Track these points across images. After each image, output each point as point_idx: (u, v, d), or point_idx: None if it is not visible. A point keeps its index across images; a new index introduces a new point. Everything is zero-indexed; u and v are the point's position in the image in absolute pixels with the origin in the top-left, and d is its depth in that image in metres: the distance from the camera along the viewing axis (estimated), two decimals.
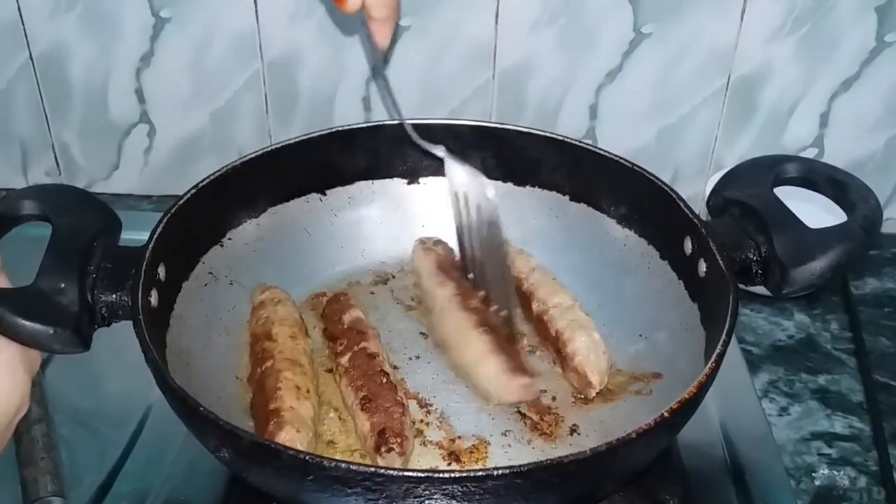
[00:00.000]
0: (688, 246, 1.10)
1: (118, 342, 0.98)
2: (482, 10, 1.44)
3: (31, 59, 1.52)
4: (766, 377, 1.31)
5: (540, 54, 1.47)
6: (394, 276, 1.31)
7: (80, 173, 1.65)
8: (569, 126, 1.52)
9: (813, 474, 1.16)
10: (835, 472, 1.16)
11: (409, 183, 1.31)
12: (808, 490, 1.14)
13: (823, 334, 1.39)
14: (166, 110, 1.57)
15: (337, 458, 0.91)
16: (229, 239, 1.21)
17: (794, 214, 1.05)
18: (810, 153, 1.53)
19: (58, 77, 1.54)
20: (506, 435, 1.07)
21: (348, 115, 1.54)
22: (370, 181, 1.30)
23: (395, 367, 1.15)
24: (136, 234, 1.05)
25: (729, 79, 1.47)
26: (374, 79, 1.46)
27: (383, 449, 0.98)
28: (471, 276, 1.20)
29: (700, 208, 1.10)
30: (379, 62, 1.14)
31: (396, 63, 1.49)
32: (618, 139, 1.51)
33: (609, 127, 1.54)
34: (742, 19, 1.41)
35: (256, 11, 1.45)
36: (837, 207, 1.09)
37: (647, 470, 0.94)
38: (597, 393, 1.11)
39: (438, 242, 1.29)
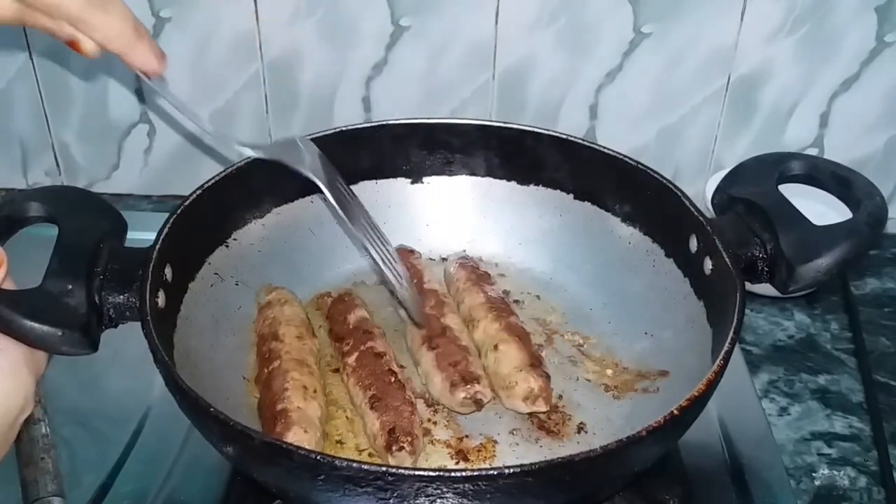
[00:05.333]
0: (693, 244, 1.10)
1: (118, 342, 0.98)
2: (482, 10, 1.44)
3: (32, 59, 1.52)
4: (766, 377, 1.31)
5: (540, 54, 1.47)
6: None
7: (80, 173, 1.65)
8: (569, 126, 1.52)
9: (813, 474, 1.16)
10: (835, 472, 1.17)
11: (412, 182, 1.31)
12: (808, 490, 1.14)
13: (823, 334, 1.39)
14: (166, 110, 1.57)
15: (347, 457, 0.91)
16: (234, 239, 1.20)
17: (799, 211, 1.05)
18: (810, 153, 1.54)
19: (58, 77, 1.53)
20: (513, 433, 1.07)
21: (348, 115, 1.54)
22: (374, 181, 1.30)
23: (402, 367, 1.14)
24: (136, 234, 1.05)
25: (729, 79, 1.48)
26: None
27: (394, 448, 0.98)
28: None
29: (700, 208, 1.10)
30: (159, 88, 0.99)
31: (396, 63, 1.49)
32: (618, 139, 1.51)
33: (609, 127, 1.54)
34: (742, 19, 1.41)
35: (256, 11, 1.45)
36: (841, 204, 1.10)
37: (648, 470, 0.94)
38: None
39: (398, 253, 1.26)
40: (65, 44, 0.89)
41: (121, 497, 1.07)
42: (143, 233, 1.04)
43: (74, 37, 0.88)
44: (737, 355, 1.29)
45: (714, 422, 1.18)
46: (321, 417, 1.03)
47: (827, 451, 1.20)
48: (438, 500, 0.80)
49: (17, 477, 1.05)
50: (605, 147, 1.22)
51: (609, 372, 1.15)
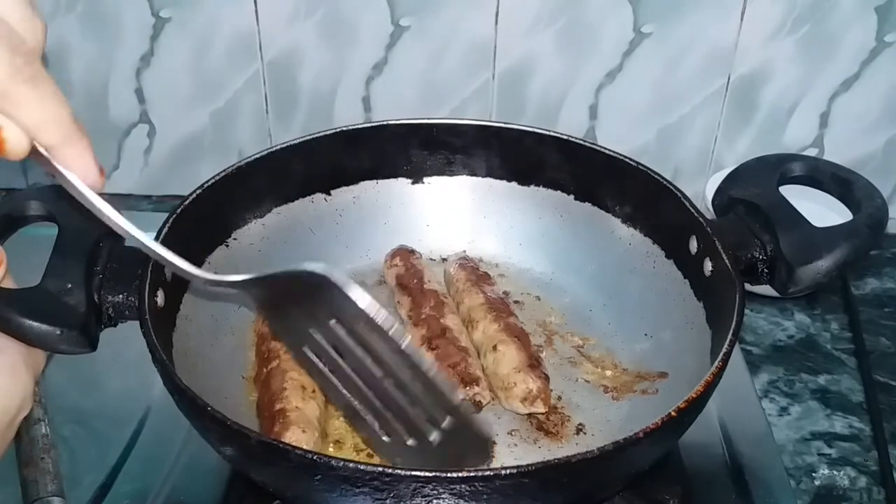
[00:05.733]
0: (693, 245, 1.10)
1: (118, 342, 0.98)
2: (482, 10, 1.44)
3: None
4: (766, 377, 1.31)
5: (540, 54, 1.48)
6: None
7: None
8: (569, 126, 1.52)
9: (813, 474, 1.17)
10: (835, 472, 1.17)
11: (413, 183, 1.31)
12: (808, 490, 1.14)
13: (823, 334, 1.39)
14: (166, 110, 1.57)
15: (345, 457, 0.91)
16: (234, 239, 1.20)
17: (799, 213, 1.05)
18: (810, 153, 1.54)
19: (58, 77, 1.46)
20: (512, 434, 1.07)
21: (348, 115, 1.55)
22: (375, 181, 1.30)
23: None
24: None
25: (729, 79, 1.48)
26: None
27: None
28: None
29: (700, 208, 1.10)
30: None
31: (396, 63, 1.50)
32: (618, 139, 1.51)
33: (609, 127, 1.54)
34: (742, 19, 1.42)
35: (256, 11, 1.45)
36: (842, 206, 1.10)
37: (647, 471, 0.94)
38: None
39: (398, 254, 1.28)
40: None
41: (121, 497, 1.07)
42: (144, 233, 1.03)
43: None
44: (737, 355, 1.28)
45: (714, 422, 1.18)
46: (319, 417, 1.03)
47: (827, 451, 1.20)
48: (435, 501, 0.80)
49: (17, 477, 1.05)
50: (605, 148, 1.22)
51: (608, 373, 1.15)
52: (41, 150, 0.68)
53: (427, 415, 0.90)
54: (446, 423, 0.90)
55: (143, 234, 0.80)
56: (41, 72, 0.67)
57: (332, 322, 0.86)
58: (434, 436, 0.91)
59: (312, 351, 0.89)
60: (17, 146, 0.67)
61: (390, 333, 0.82)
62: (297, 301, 0.86)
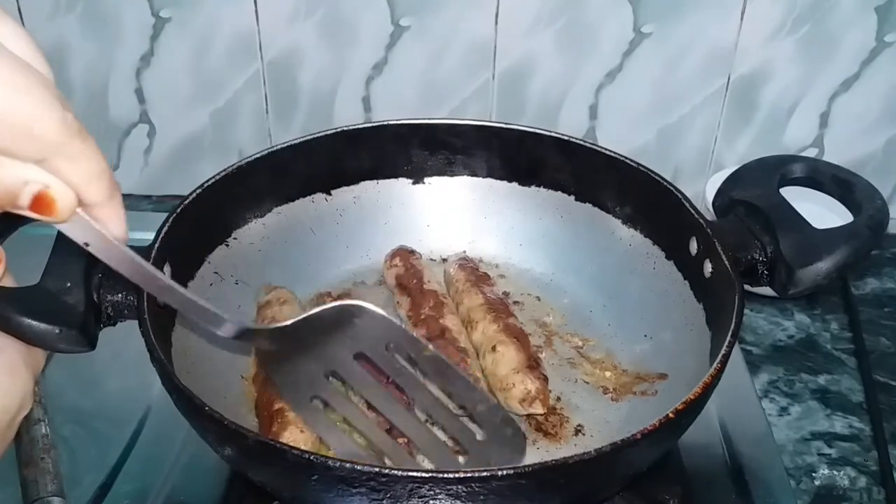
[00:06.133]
0: (693, 246, 1.10)
1: (118, 342, 0.98)
2: (482, 10, 1.44)
3: None
4: (766, 377, 1.31)
5: (540, 54, 1.48)
6: None
7: None
8: (569, 126, 1.52)
9: (813, 474, 1.16)
10: (835, 472, 1.16)
11: (414, 183, 1.31)
12: (808, 490, 1.14)
13: (823, 334, 1.39)
14: (166, 110, 1.57)
15: (341, 457, 0.91)
16: (235, 239, 1.20)
17: (800, 215, 1.05)
18: (810, 153, 1.54)
19: (58, 77, 1.47)
20: None
21: (348, 115, 1.55)
22: (375, 181, 1.30)
23: None
24: (136, 233, 1.01)
25: (729, 79, 1.48)
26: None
27: None
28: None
29: (700, 208, 1.10)
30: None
31: (396, 63, 1.50)
32: (618, 139, 1.51)
33: (609, 127, 1.54)
34: (742, 19, 1.42)
35: (256, 11, 1.45)
36: (843, 207, 1.09)
37: (646, 471, 0.94)
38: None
39: (397, 254, 1.27)
40: (29, 208, 0.60)
41: (121, 497, 1.07)
42: (142, 233, 1.02)
43: (44, 184, 0.60)
44: (737, 355, 1.28)
45: (714, 422, 1.18)
46: None
47: (827, 451, 1.20)
48: (431, 502, 0.79)
49: (17, 477, 1.05)
50: (606, 148, 1.21)
51: (608, 374, 1.15)
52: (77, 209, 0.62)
53: (460, 432, 0.94)
54: (480, 435, 0.93)
55: (188, 292, 0.79)
56: (82, 124, 0.62)
57: (352, 361, 0.90)
58: (462, 459, 0.95)
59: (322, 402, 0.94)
60: (69, 206, 0.61)
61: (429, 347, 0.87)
62: (315, 344, 0.89)
